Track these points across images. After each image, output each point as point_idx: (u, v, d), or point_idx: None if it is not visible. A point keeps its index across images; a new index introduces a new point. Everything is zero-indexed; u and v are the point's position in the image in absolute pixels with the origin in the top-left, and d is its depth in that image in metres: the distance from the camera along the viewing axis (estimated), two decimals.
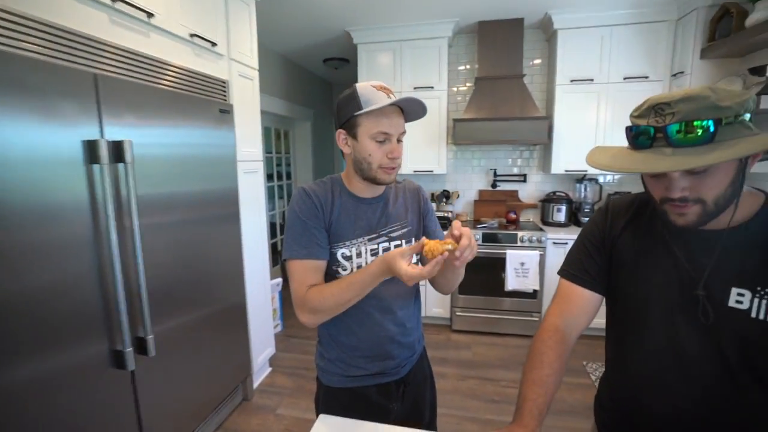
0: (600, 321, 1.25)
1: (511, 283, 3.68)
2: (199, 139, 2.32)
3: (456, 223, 1.08)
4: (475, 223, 4.26)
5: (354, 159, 1.24)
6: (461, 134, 3.82)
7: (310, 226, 1.22)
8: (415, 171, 4.23)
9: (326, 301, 1.16)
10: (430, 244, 1.05)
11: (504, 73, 3.89)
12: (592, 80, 3.71)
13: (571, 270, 1.15)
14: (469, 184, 4.57)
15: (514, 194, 4.40)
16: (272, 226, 5.27)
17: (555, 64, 3.85)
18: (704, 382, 0.95)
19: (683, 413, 0.96)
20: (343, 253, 1.25)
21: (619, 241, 1.08)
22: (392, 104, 1.16)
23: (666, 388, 0.98)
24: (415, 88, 4.08)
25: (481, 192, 4.54)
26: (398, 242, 1.30)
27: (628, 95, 3.67)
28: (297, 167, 5.84)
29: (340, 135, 1.25)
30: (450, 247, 1.04)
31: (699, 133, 0.76)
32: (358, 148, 1.22)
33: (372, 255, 1.27)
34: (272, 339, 3.31)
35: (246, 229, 2.83)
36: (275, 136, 5.27)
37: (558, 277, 1.19)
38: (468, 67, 4.36)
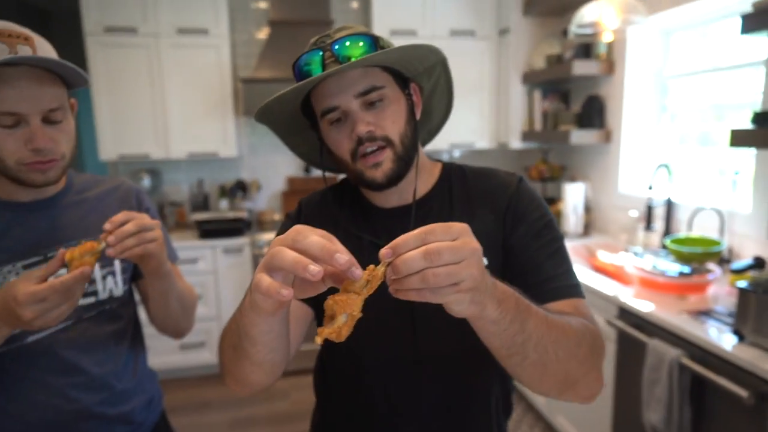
0: None
1: None
2: None
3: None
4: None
5: None
6: (254, 101, 3.02)
7: None
8: (190, 154, 3.24)
9: None
10: (73, 252, 0.82)
11: (306, 16, 3.27)
12: (414, 32, 3.33)
13: None
14: (273, 171, 3.71)
15: (334, 180, 3.63)
16: None
17: (371, 10, 3.34)
18: None
19: None
20: None
21: None
22: (4, 63, 0.86)
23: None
24: (179, 30, 3.07)
25: (291, 180, 3.72)
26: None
27: (457, 53, 3.31)
28: None
29: None
30: (103, 245, 0.83)
31: (362, 45, 0.84)
32: None
33: None
34: None
35: None
36: None
37: None
38: (263, 5, 3.52)
